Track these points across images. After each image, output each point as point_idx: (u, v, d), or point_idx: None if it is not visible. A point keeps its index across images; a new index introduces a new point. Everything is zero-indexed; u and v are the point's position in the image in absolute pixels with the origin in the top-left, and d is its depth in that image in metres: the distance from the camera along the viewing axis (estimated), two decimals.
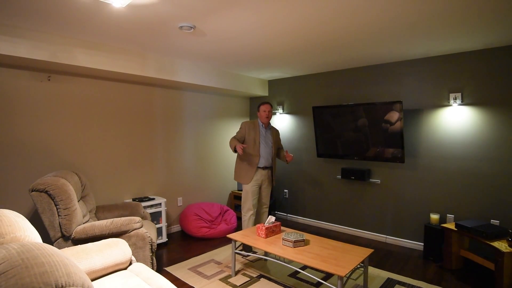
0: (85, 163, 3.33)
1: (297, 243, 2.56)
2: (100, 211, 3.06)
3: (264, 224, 2.84)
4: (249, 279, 2.81)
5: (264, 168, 3.47)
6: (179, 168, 4.29)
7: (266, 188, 3.54)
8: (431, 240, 3.26)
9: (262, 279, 2.81)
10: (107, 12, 2.20)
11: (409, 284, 2.71)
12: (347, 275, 2.24)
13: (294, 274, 2.90)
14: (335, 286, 2.16)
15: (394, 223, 3.78)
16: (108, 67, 3.02)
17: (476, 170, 3.20)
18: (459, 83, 3.28)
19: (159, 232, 3.66)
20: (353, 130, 3.90)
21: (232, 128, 4.99)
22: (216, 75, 4.14)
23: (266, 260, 3.22)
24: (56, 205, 2.31)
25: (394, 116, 3.49)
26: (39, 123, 2.99)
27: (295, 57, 3.54)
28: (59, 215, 2.32)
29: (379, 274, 2.91)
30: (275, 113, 4.97)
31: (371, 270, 3.00)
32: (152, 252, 2.56)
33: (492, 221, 3.09)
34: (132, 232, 2.49)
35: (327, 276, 2.85)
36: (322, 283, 2.72)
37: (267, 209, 3.63)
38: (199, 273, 2.93)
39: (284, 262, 2.62)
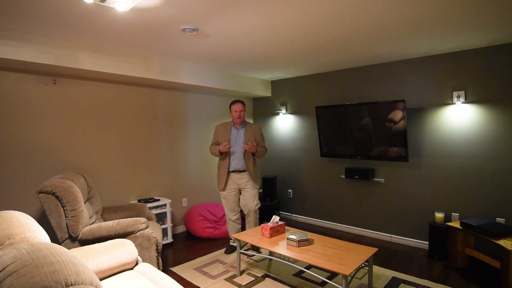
0: (91, 165, 3.37)
1: (301, 243, 2.57)
2: (106, 212, 3.10)
3: (268, 224, 2.86)
4: (254, 278, 2.83)
5: (238, 172, 3.31)
6: (184, 169, 4.32)
7: (248, 192, 3.33)
8: (436, 238, 3.25)
9: (267, 278, 2.83)
10: (111, 16, 2.23)
11: (414, 283, 2.71)
12: (352, 274, 2.24)
13: (299, 274, 2.91)
14: (340, 285, 2.16)
15: (399, 222, 3.78)
16: (113, 70, 3.05)
17: (481, 168, 3.19)
18: (462, 81, 3.27)
19: (164, 232, 3.69)
20: (356, 129, 3.90)
21: None
22: (219, 76, 4.17)
23: (271, 259, 3.23)
24: (63, 207, 2.34)
25: (397, 115, 3.48)
26: (46, 126, 3.04)
27: (297, 58, 3.55)
28: (66, 217, 2.36)
29: (384, 273, 2.91)
30: (278, 113, 4.98)
31: (376, 269, 3.00)
32: (157, 252, 2.58)
33: (498, 219, 3.08)
34: (138, 233, 2.52)
35: (332, 275, 2.86)
36: (327, 282, 2.73)
37: (255, 214, 3.37)
38: (205, 273, 2.95)
39: (289, 262, 2.63)
